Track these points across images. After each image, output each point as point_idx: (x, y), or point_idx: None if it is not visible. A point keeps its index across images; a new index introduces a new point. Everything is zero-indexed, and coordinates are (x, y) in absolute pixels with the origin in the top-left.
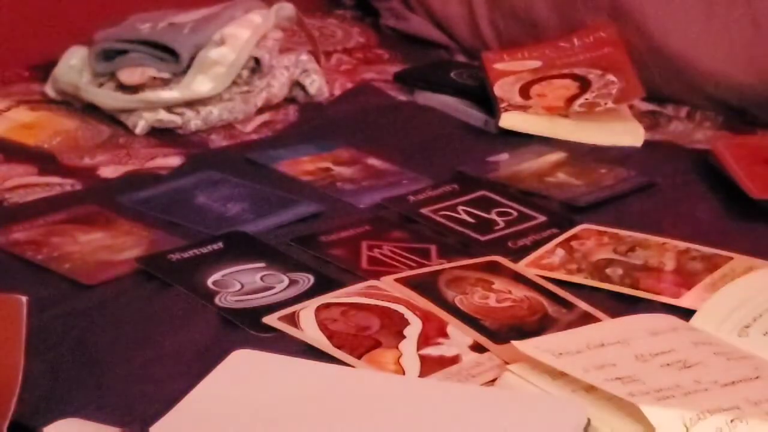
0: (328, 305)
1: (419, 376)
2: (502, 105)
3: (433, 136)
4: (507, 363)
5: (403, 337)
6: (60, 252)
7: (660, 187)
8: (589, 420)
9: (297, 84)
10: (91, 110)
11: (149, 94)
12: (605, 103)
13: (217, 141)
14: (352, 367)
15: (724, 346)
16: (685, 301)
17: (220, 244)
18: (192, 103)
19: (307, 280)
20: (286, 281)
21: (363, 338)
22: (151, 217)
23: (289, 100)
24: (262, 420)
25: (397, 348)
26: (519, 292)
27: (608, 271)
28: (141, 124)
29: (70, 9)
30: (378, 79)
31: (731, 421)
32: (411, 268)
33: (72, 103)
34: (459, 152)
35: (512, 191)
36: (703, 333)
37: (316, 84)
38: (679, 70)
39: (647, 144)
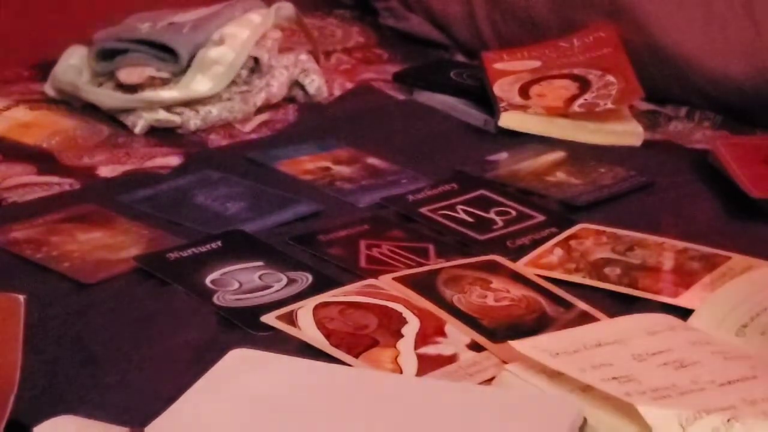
0: (326, 304)
1: (416, 375)
2: (502, 105)
3: (432, 135)
4: (504, 362)
5: (401, 335)
6: (59, 251)
7: (659, 187)
8: (585, 419)
9: (296, 84)
10: (90, 110)
11: (148, 94)
12: (604, 104)
13: (217, 140)
14: (350, 365)
15: (722, 345)
16: (683, 300)
17: (219, 243)
18: (191, 103)
19: (305, 278)
20: (285, 280)
21: (361, 337)
22: (150, 216)
23: (289, 99)
24: (259, 419)
25: (394, 347)
26: (517, 291)
27: (606, 270)
28: (140, 123)
29: (70, 8)
30: (377, 79)
31: (728, 420)
32: (409, 267)
33: (71, 103)
34: (458, 151)
35: (511, 190)
36: (701, 332)
37: (316, 84)
38: (678, 70)
39: (646, 144)
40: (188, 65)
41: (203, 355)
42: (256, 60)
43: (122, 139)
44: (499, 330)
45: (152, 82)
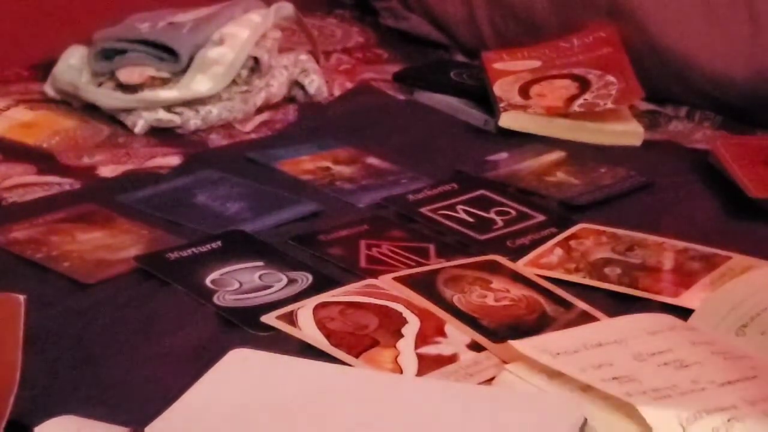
0: (326, 304)
1: (417, 375)
2: (502, 105)
3: (432, 135)
4: (505, 362)
5: (401, 335)
6: (59, 251)
7: (659, 187)
8: (585, 419)
9: (296, 83)
10: (90, 110)
11: (148, 94)
12: (604, 104)
13: (217, 140)
14: (350, 366)
15: (722, 345)
16: (683, 300)
17: (219, 243)
18: (191, 103)
19: (305, 278)
20: (285, 280)
21: (361, 337)
22: (150, 216)
23: (289, 99)
24: (259, 419)
25: (394, 347)
26: (517, 291)
27: (607, 270)
28: (140, 123)
29: (70, 8)
30: (377, 79)
31: (728, 420)
32: (410, 267)
33: (71, 103)
34: (458, 151)
35: (511, 190)
36: (701, 332)
37: (315, 83)
38: (678, 70)
39: (646, 144)
40: (188, 65)
41: (203, 356)
42: (256, 60)
43: (122, 139)
44: (499, 330)
45: (152, 82)
